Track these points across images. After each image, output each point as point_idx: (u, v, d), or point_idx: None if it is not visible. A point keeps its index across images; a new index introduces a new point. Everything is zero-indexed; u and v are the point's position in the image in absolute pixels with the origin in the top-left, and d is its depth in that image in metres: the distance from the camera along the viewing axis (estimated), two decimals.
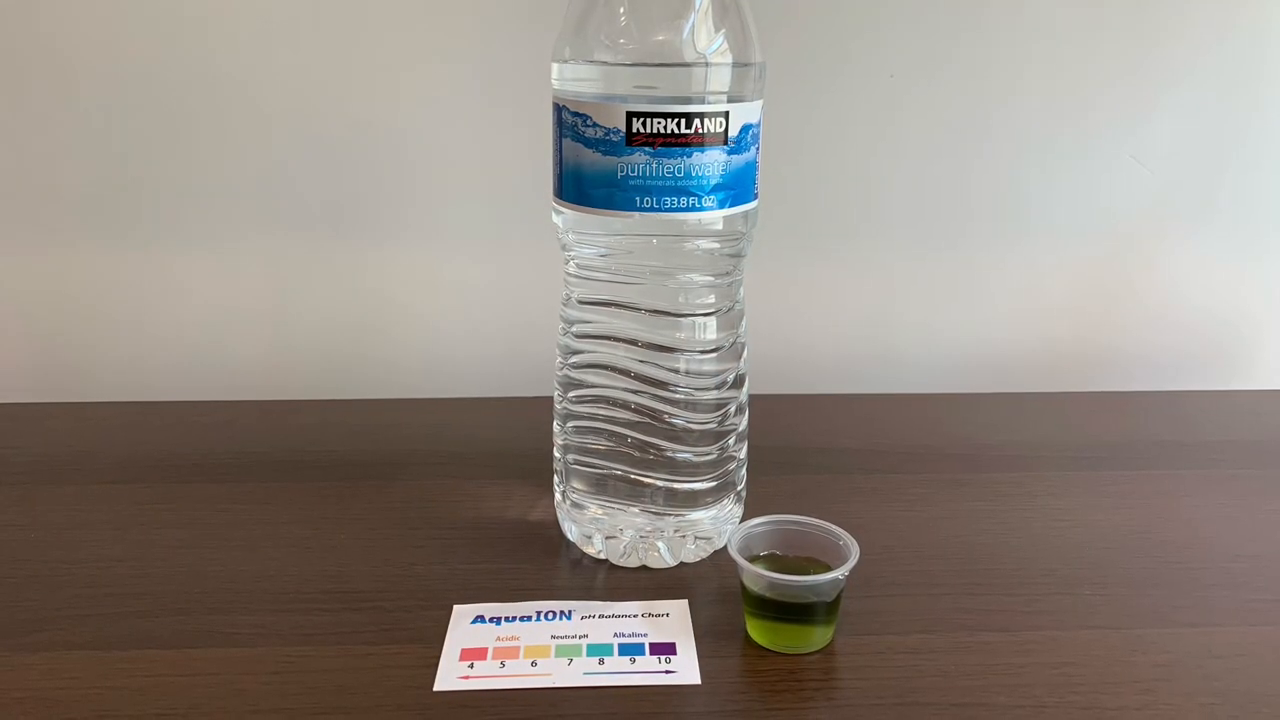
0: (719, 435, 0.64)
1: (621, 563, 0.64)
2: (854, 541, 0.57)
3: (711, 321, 0.62)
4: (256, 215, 0.90)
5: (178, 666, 0.54)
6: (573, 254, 0.63)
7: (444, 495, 0.72)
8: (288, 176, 0.89)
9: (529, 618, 0.59)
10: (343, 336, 0.94)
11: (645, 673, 0.54)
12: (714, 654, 0.56)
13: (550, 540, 0.67)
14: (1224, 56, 0.90)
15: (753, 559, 0.58)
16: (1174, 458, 0.79)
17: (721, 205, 0.58)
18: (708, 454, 0.64)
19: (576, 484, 0.65)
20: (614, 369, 0.62)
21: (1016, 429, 0.85)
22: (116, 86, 0.86)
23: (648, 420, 0.62)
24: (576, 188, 0.59)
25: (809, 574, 0.56)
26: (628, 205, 0.57)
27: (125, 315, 0.92)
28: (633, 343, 0.62)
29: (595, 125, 0.56)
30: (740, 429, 0.66)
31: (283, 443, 0.81)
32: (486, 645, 0.56)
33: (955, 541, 0.67)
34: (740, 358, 0.65)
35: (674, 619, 0.59)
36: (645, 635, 0.57)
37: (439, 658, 0.55)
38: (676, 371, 0.62)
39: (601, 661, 0.55)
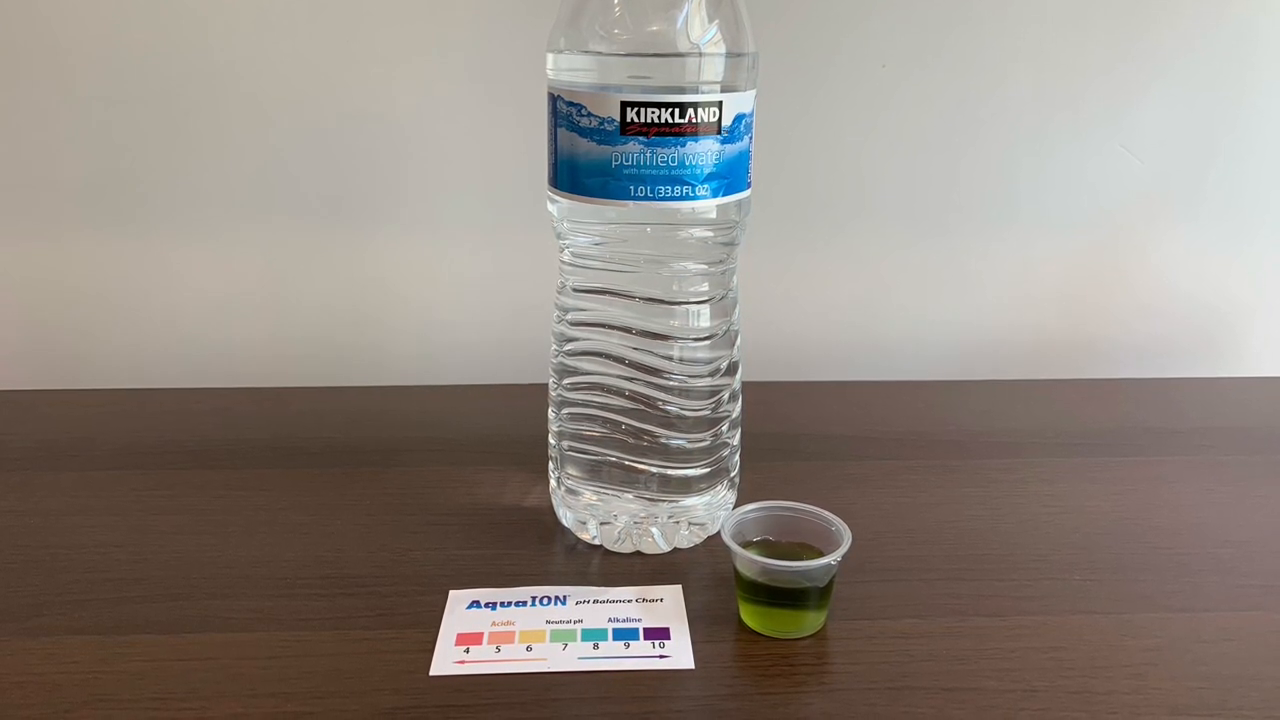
0: (712, 422, 0.64)
1: (616, 548, 0.64)
2: (846, 527, 0.58)
3: (705, 309, 0.63)
4: (254, 205, 0.90)
5: (175, 651, 0.55)
6: (567, 242, 0.63)
7: (440, 482, 0.73)
8: (285, 167, 0.89)
9: (524, 603, 0.59)
10: (339, 325, 0.94)
11: (639, 657, 0.55)
12: (708, 639, 0.56)
13: (545, 526, 0.67)
14: (1213, 46, 0.90)
15: (746, 545, 0.58)
16: (1163, 444, 0.80)
17: (715, 194, 0.59)
18: (701, 440, 0.64)
19: (571, 470, 0.66)
20: (608, 356, 0.63)
21: (1007, 416, 0.85)
22: (115, 77, 0.86)
23: (642, 407, 0.63)
24: (571, 177, 0.59)
25: (802, 559, 0.56)
26: (622, 194, 0.57)
27: (123, 303, 0.92)
28: (627, 330, 0.62)
29: (590, 115, 0.57)
30: (733, 416, 0.66)
31: (279, 430, 0.81)
32: (482, 630, 0.57)
33: (946, 527, 0.68)
34: (733, 345, 0.65)
35: (668, 604, 0.59)
36: (639, 620, 0.58)
37: (435, 642, 0.56)
38: (670, 359, 0.62)
39: (596, 646, 0.55)
